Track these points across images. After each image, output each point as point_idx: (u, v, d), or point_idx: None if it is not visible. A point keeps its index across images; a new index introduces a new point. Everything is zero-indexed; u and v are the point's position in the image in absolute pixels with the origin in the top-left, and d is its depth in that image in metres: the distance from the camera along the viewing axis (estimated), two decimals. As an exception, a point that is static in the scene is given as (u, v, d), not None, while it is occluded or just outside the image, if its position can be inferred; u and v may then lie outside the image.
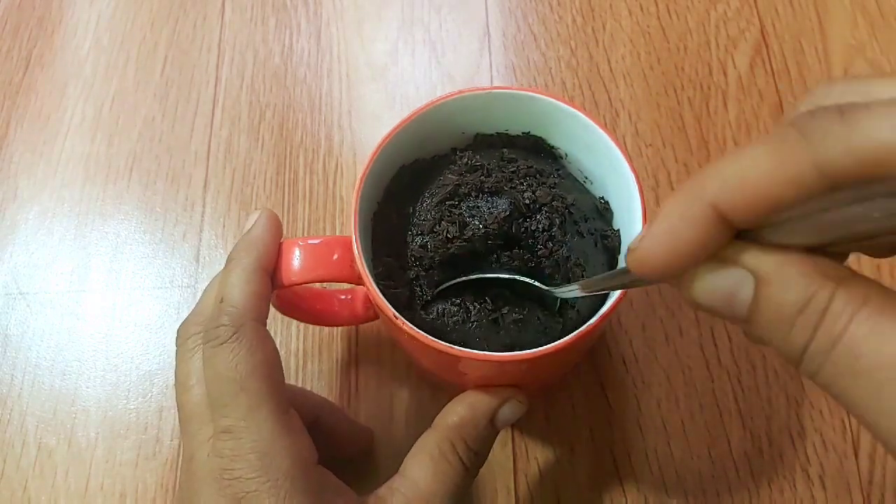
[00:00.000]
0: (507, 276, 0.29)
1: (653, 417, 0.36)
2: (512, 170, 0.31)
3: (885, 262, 0.39)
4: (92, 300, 0.40)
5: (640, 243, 0.17)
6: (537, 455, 0.36)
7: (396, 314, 0.27)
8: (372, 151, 0.30)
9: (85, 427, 0.37)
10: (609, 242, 0.31)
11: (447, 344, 0.26)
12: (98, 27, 0.48)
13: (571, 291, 0.26)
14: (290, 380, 0.37)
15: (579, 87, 0.44)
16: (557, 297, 0.29)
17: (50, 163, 0.44)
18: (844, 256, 0.18)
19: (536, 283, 0.29)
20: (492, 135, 0.33)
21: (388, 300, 0.28)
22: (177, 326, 0.28)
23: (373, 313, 0.33)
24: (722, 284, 0.17)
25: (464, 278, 0.30)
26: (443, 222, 0.29)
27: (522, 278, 0.29)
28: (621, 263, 0.30)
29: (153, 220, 0.42)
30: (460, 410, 0.28)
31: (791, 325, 0.16)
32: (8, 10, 0.48)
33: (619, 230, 0.31)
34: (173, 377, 0.28)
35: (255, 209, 0.31)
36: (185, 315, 0.29)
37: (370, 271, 0.28)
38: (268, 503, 0.24)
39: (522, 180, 0.30)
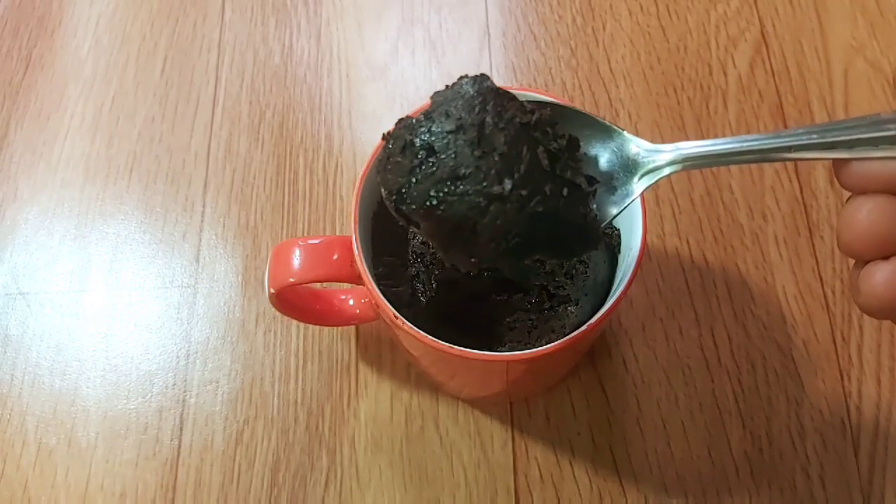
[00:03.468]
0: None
1: (653, 417, 0.36)
2: None
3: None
4: (92, 300, 0.40)
5: None
6: (537, 455, 0.36)
7: (396, 314, 0.27)
8: (372, 151, 0.30)
9: (85, 427, 0.37)
10: (609, 241, 0.31)
11: (447, 343, 0.26)
12: (98, 27, 0.48)
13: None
14: (290, 380, 0.37)
15: (579, 87, 0.44)
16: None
17: (50, 163, 0.44)
18: None
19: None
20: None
21: (388, 299, 0.28)
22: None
23: (373, 313, 0.33)
24: None
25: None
26: None
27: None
28: (621, 262, 0.30)
29: (153, 220, 0.42)
30: None
31: None
32: (8, 10, 0.48)
33: (619, 230, 0.31)
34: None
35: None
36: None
37: (370, 271, 0.28)
38: None
39: None
